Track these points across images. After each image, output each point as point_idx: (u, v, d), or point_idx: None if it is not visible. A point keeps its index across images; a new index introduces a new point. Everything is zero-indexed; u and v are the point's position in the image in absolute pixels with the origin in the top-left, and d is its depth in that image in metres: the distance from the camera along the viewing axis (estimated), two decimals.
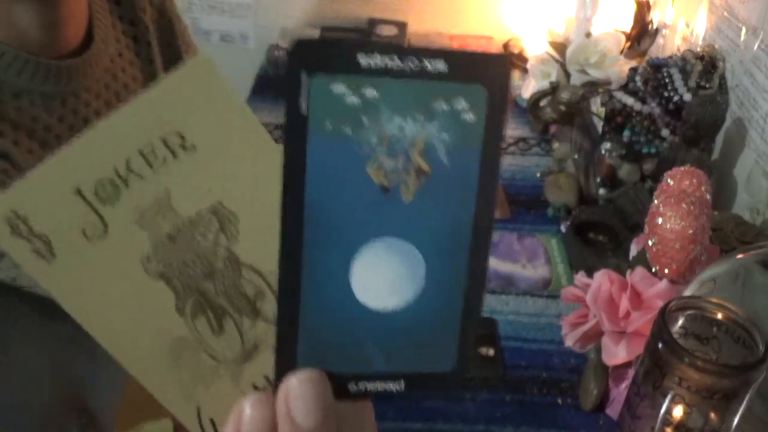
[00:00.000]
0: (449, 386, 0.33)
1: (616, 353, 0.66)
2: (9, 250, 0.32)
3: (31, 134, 0.69)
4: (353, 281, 0.31)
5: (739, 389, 0.53)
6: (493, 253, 0.91)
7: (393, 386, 0.32)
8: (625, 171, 0.91)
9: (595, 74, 1.08)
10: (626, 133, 0.91)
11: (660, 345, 0.54)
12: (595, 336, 0.69)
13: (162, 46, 0.86)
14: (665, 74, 0.91)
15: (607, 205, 0.91)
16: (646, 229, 0.67)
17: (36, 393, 0.65)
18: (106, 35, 0.78)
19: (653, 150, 0.90)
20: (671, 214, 0.63)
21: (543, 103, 1.09)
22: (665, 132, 0.90)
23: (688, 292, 0.61)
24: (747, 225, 0.80)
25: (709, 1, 1.02)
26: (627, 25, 1.18)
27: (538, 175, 1.05)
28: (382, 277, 0.31)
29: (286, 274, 0.30)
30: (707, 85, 0.89)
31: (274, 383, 0.31)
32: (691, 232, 0.63)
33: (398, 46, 0.30)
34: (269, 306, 0.35)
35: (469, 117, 0.30)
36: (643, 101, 0.91)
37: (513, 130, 1.18)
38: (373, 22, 1.39)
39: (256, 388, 0.35)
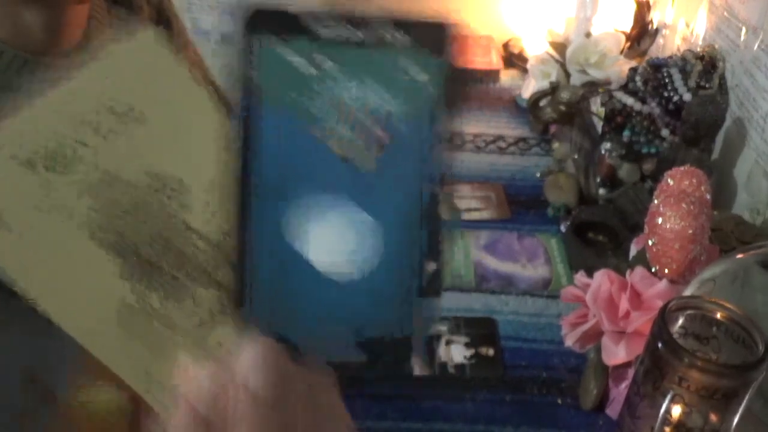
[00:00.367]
0: (409, 354, 0.33)
1: (616, 353, 0.66)
2: None
3: None
4: (310, 250, 0.31)
5: (739, 389, 0.53)
6: (493, 253, 0.91)
7: (354, 356, 0.32)
8: (625, 171, 0.91)
9: (595, 74, 1.08)
10: (626, 133, 0.91)
11: (660, 345, 0.54)
12: (594, 336, 0.69)
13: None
14: (665, 74, 0.91)
15: (607, 205, 0.91)
16: (646, 229, 0.67)
17: None
18: (101, 32, 0.79)
19: (653, 150, 0.90)
20: (671, 214, 0.63)
21: (543, 103, 1.09)
22: (665, 132, 0.90)
23: (687, 292, 0.61)
24: (747, 225, 0.80)
25: (709, 1, 1.02)
26: (627, 25, 1.18)
27: (538, 175, 1.05)
28: (340, 246, 0.31)
29: (241, 243, 0.30)
30: (707, 85, 0.89)
31: (230, 350, 0.31)
32: (690, 232, 0.63)
33: (355, 16, 0.29)
34: (224, 274, 0.34)
35: (427, 87, 0.30)
36: (643, 101, 0.91)
37: (513, 130, 1.18)
38: None
39: (212, 355, 0.35)
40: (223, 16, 1.39)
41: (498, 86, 1.31)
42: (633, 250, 0.74)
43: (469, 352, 0.77)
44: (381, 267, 0.32)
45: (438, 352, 0.77)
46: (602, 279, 0.68)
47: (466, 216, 0.98)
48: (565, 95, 1.04)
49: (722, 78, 0.90)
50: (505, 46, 1.39)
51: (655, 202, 0.66)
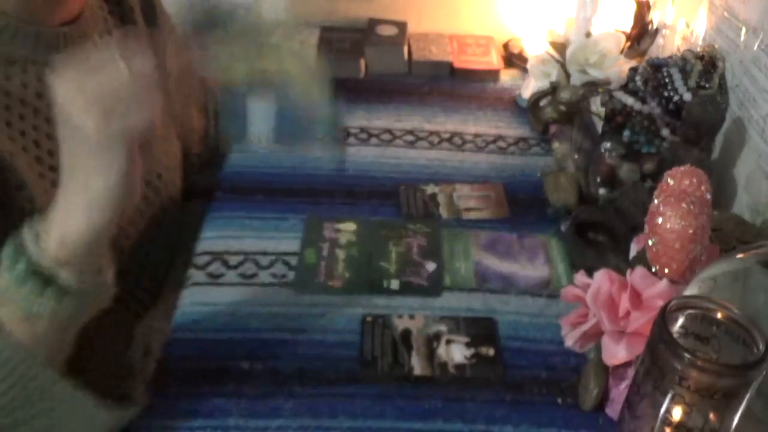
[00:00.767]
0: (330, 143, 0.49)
1: (616, 353, 0.66)
2: None
3: (24, 102, 0.72)
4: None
5: (739, 389, 0.53)
6: (493, 253, 0.91)
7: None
8: (625, 171, 0.91)
9: (595, 74, 1.08)
10: (626, 133, 0.91)
11: (660, 345, 0.54)
12: (594, 336, 0.69)
13: (146, 25, 0.90)
14: (665, 74, 0.91)
15: (607, 205, 0.91)
16: (646, 228, 0.67)
17: None
18: (93, 13, 0.82)
19: (653, 150, 0.90)
20: (671, 214, 0.63)
21: (543, 103, 1.09)
22: (665, 132, 0.90)
23: (688, 292, 0.61)
24: (747, 225, 0.80)
25: (709, 1, 1.02)
26: (627, 25, 1.18)
27: (538, 175, 1.05)
28: None
29: None
30: (707, 85, 0.89)
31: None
32: (691, 231, 0.63)
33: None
34: None
35: None
36: (643, 101, 0.91)
37: (513, 130, 1.18)
38: (373, 22, 1.39)
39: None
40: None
41: (498, 86, 1.31)
42: (633, 250, 0.74)
43: (469, 352, 0.77)
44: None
45: (438, 352, 0.77)
46: (602, 279, 0.68)
47: (466, 216, 0.98)
48: (565, 95, 1.04)
49: (722, 78, 0.90)
50: (505, 46, 1.39)
51: (655, 201, 0.66)
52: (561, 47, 1.14)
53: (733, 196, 0.92)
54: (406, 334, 0.79)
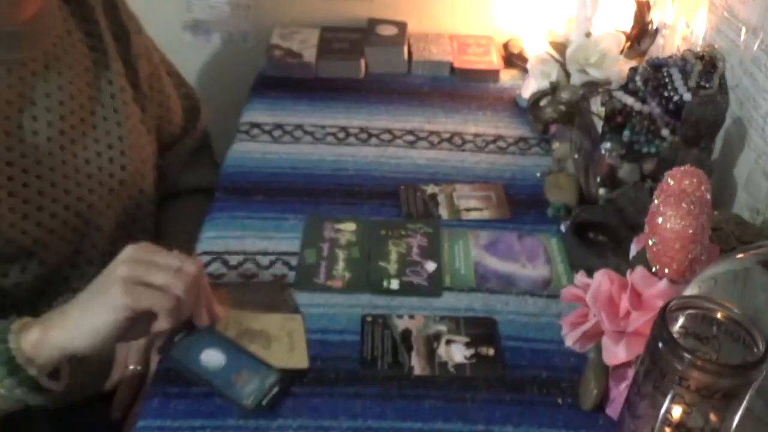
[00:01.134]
0: None
1: (616, 353, 0.66)
2: None
3: None
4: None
5: (739, 389, 0.53)
6: (493, 253, 0.91)
7: None
8: (625, 171, 0.91)
9: (595, 74, 1.08)
10: (626, 133, 0.91)
11: (660, 345, 0.54)
12: (594, 336, 0.69)
13: (108, 23, 0.90)
14: (665, 74, 0.91)
15: (607, 205, 0.91)
16: (646, 228, 0.67)
17: None
18: (52, 13, 0.84)
19: (653, 150, 0.90)
20: (671, 214, 0.63)
21: (543, 103, 1.09)
22: (665, 132, 0.90)
23: (688, 292, 0.61)
24: (747, 225, 0.80)
25: (709, 1, 1.02)
26: (627, 25, 1.18)
27: (538, 175, 1.05)
28: None
29: None
30: (707, 85, 0.89)
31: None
32: (691, 231, 0.63)
33: None
34: None
35: None
36: (643, 101, 0.91)
37: (513, 130, 1.18)
38: (373, 22, 1.39)
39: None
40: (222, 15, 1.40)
41: (498, 86, 1.31)
42: (633, 250, 0.74)
43: (469, 352, 0.77)
44: None
45: (438, 352, 0.77)
46: (602, 279, 0.68)
47: (466, 216, 0.98)
48: (565, 95, 1.04)
49: (722, 78, 0.90)
50: (505, 46, 1.39)
51: (656, 201, 0.66)
52: (561, 47, 1.14)
53: (733, 196, 0.92)
54: (406, 334, 0.79)
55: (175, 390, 0.71)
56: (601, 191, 0.93)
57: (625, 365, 0.67)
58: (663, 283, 0.65)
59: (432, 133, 1.16)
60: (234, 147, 1.10)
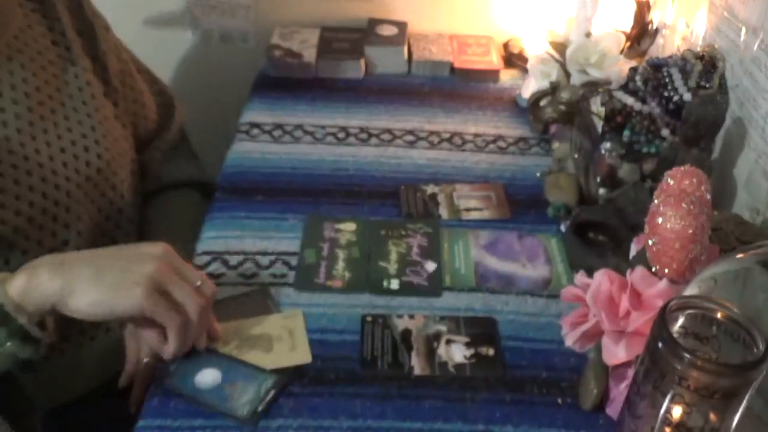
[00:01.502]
0: None
1: (616, 353, 0.66)
2: None
3: None
4: None
5: (739, 388, 0.53)
6: (493, 253, 0.91)
7: None
8: (625, 171, 0.91)
9: (595, 74, 1.08)
10: (626, 133, 0.91)
11: (660, 345, 0.54)
12: (594, 335, 0.69)
13: (72, 20, 0.90)
14: (665, 74, 0.91)
15: (607, 205, 0.91)
16: (646, 228, 0.67)
17: None
18: (10, 8, 0.86)
19: (653, 150, 0.90)
20: (671, 214, 0.63)
21: (543, 103, 1.09)
22: (665, 132, 0.90)
23: (688, 292, 0.61)
24: (747, 225, 0.80)
25: (709, 1, 1.02)
26: (627, 25, 1.18)
27: (538, 175, 1.05)
28: None
29: None
30: (707, 85, 0.89)
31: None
32: (691, 231, 0.63)
33: None
34: None
35: None
36: (643, 101, 0.91)
37: (513, 130, 1.18)
38: (373, 22, 1.39)
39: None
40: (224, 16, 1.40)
41: (498, 86, 1.31)
42: (633, 250, 0.74)
43: (469, 352, 0.77)
44: None
45: (438, 352, 0.77)
46: (602, 279, 0.68)
47: (466, 216, 0.98)
48: (565, 95, 1.04)
49: (722, 78, 0.90)
50: (505, 46, 1.39)
51: (655, 201, 0.66)
52: (561, 47, 1.14)
53: (733, 196, 0.92)
54: (406, 334, 0.79)
55: None
56: (601, 191, 0.93)
57: (625, 365, 0.67)
58: (663, 283, 0.65)
59: (432, 133, 1.16)
60: (234, 147, 1.10)
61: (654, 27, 1.19)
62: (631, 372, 0.65)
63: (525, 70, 1.27)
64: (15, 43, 0.84)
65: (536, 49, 1.23)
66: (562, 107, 1.04)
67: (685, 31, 1.10)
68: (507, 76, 1.33)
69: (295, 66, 1.29)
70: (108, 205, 0.90)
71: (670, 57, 0.95)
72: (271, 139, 1.12)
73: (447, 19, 1.43)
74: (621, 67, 1.07)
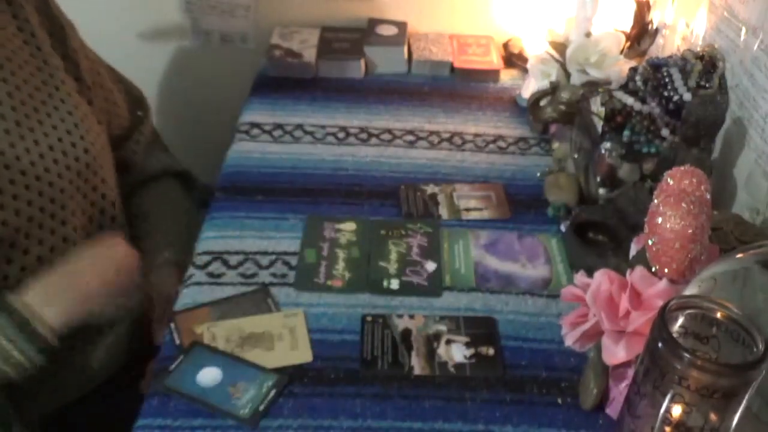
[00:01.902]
0: None
1: (615, 353, 0.66)
2: None
3: None
4: None
5: (739, 388, 0.53)
6: (493, 253, 0.91)
7: None
8: (625, 171, 0.91)
9: (595, 74, 1.08)
10: (626, 133, 0.91)
11: (660, 344, 0.54)
12: (594, 335, 0.69)
13: (41, 19, 0.92)
14: (665, 74, 0.91)
15: (607, 205, 0.91)
16: (646, 228, 0.67)
17: None
18: None
19: (653, 150, 0.90)
20: (671, 214, 0.63)
21: (543, 102, 1.09)
22: (665, 132, 0.90)
23: (687, 292, 0.61)
24: (747, 225, 0.80)
25: (709, 1, 1.02)
26: (627, 25, 1.18)
27: (538, 175, 1.05)
28: None
29: None
30: (707, 85, 0.89)
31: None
32: (690, 231, 0.63)
33: None
34: None
35: None
36: (643, 101, 0.91)
37: (513, 130, 1.18)
38: (373, 22, 1.39)
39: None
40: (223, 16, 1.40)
41: (498, 86, 1.31)
42: (633, 250, 0.74)
43: (469, 352, 0.77)
44: None
45: (438, 352, 0.77)
46: (602, 279, 0.68)
47: (465, 216, 0.98)
48: (565, 95, 1.04)
49: (722, 78, 0.90)
50: (505, 46, 1.39)
51: (655, 201, 0.66)
52: (561, 47, 1.14)
53: (733, 196, 0.92)
54: (406, 334, 0.79)
55: None
56: (601, 191, 0.93)
57: (625, 365, 0.67)
58: (663, 283, 0.65)
59: (432, 133, 1.16)
60: (234, 147, 1.10)
61: (654, 27, 1.19)
62: (630, 372, 0.65)
63: (525, 70, 1.27)
64: None
65: (536, 49, 1.23)
66: (562, 107, 1.04)
67: (685, 31, 1.10)
68: (507, 76, 1.33)
69: (295, 66, 1.29)
70: (100, 199, 0.91)
71: (670, 57, 0.95)
72: (271, 139, 1.12)
73: (447, 19, 1.43)
74: (621, 67, 1.07)
